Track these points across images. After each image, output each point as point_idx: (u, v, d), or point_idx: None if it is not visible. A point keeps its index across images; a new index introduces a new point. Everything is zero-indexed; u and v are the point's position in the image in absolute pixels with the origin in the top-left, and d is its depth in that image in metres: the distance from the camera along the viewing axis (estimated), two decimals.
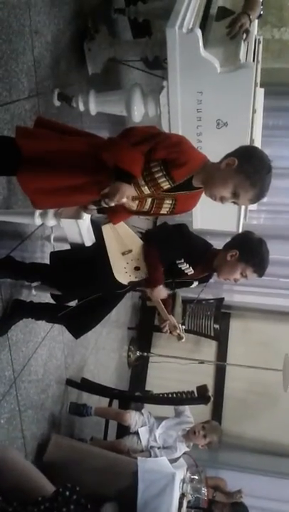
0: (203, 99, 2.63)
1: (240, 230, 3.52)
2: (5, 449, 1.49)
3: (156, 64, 3.17)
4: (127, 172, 1.66)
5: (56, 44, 2.75)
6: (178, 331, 2.23)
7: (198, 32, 2.41)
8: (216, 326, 5.01)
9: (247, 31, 2.66)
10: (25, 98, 2.44)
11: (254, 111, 2.77)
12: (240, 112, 2.69)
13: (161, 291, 2.17)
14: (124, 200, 1.71)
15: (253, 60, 2.74)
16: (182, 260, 2.20)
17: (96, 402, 3.57)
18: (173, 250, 2.19)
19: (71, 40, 2.95)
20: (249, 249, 2.14)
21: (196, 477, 3.04)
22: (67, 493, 1.28)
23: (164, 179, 1.76)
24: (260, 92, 3.10)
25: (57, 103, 2.79)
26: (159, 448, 3.28)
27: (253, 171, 1.73)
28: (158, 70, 3.20)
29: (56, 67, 2.79)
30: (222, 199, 1.79)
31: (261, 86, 3.14)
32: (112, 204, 1.72)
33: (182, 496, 2.86)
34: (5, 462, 1.42)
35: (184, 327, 2.30)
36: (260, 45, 3.19)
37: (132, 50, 3.09)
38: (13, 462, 1.43)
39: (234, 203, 1.82)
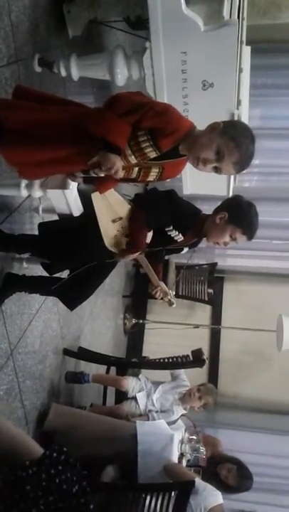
0: (188, 60, 2.56)
1: (231, 194, 3.50)
2: None
3: (139, 24, 3.06)
4: (113, 144, 1.64)
5: (34, 7, 2.64)
6: (169, 297, 2.26)
7: None
8: (210, 291, 5.06)
9: None
10: (5, 65, 2.36)
11: (240, 70, 2.70)
12: (226, 71, 2.62)
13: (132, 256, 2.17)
14: (114, 170, 1.69)
15: (238, 17, 2.65)
16: (171, 227, 2.20)
17: (94, 370, 3.62)
18: (161, 216, 2.17)
19: (50, 3, 2.83)
20: (238, 211, 2.15)
21: (194, 437, 3.13)
22: (55, 454, 1.29)
23: (150, 149, 1.73)
24: (247, 50, 3.01)
25: (38, 69, 2.70)
26: (156, 412, 3.36)
27: (237, 133, 1.73)
28: (141, 31, 3.09)
29: (35, 31, 2.69)
30: (205, 162, 1.74)
31: (248, 44, 3.06)
32: (102, 174, 1.72)
33: (181, 455, 2.95)
34: None
35: (173, 293, 2.32)
36: (245, 1, 3.09)
37: (113, 10, 2.97)
38: (0, 430, 1.44)
39: (216, 169, 1.77)
